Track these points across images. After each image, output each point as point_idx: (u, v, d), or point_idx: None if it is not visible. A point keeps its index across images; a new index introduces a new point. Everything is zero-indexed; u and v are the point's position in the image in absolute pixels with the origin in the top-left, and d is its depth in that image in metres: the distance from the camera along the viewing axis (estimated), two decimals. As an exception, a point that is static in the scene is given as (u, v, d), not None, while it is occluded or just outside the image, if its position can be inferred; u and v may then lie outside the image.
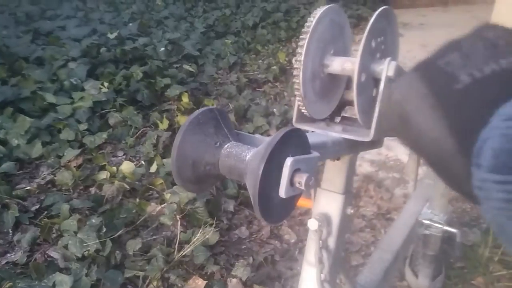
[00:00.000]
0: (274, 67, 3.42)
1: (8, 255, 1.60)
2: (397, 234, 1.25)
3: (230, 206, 1.86)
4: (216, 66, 3.46)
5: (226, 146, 0.56)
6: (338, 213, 0.81)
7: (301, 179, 0.50)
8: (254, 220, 1.87)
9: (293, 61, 0.67)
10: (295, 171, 0.50)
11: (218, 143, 0.56)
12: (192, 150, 0.56)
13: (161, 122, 2.44)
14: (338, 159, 0.81)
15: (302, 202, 1.07)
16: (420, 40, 4.09)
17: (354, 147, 0.77)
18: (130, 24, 3.72)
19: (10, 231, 1.68)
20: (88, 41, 3.03)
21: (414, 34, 4.44)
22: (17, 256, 1.56)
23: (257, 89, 3.25)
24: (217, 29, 4.16)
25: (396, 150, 2.54)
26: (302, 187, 0.50)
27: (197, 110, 0.57)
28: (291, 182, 0.50)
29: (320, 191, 0.83)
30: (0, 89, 2.46)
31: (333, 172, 0.82)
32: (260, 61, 3.74)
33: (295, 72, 0.66)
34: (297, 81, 0.66)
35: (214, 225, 1.69)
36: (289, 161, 0.49)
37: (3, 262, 1.54)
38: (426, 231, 1.34)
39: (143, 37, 3.47)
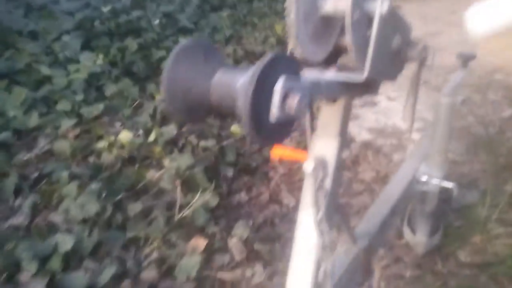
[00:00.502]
0: (272, 39, 3.38)
1: (10, 219, 1.61)
2: (394, 189, 1.26)
3: (229, 172, 1.87)
4: (212, 39, 3.43)
5: (216, 74, 0.56)
6: (333, 156, 0.81)
7: (294, 100, 0.49)
8: (254, 186, 1.89)
9: (286, 2, 0.66)
10: (286, 93, 0.49)
11: (208, 72, 0.56)
12: (182, 78, 0.55)
13: (158, 93, 2.43)
14: (334, 101, 0.81)
15: (297, 155, 1.08)
16: (419, 12, 4.04)
17: (349, 90, 0.77)
18: (124, -2, 3.66)
19: (11, 198, 1.69)
20: (81, 14, 2.99)
21: (413, 6, 4.38)
22: (19, 220, 1.58)
23: (254, 62, 3.22)
24: (212, 2, 4.09)
25: (394, 118, 2.53)
26: (294, 109, 0.50)
27: (185, 41, 0.57)
28: (283, 104, 0.49)
29: (315, 135, 0.83)
30: (-4, 62, 2.43)
31: (329, 116, 0.82)
32: (257, 34, 3.70)
33: (286, 13, 0.65)
34: (289, 22, 0.65)
35: (213, 190, 1.70)
36: (281, 80, 0.48)
37: (6, 225, 1.56)
38: (423, 187, 1.35)
39: (137, 10, 3.42)
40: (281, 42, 3.45)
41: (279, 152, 1.06)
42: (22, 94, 2.16)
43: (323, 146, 0.83)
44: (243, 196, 1.83)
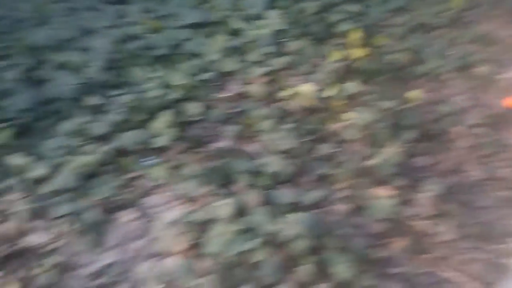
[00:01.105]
0: (448, 13, 3.21)
1: (217, 142, 1.91)
2: None
3: (412, 134, 1.89)
4: (381, 9, 3.39)
5: None
6: None
7: None
8: (437, 152, 1.88)
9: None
10: None
11: None
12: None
13: (334, 53, 2.54)
14: None
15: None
16: None
17: None
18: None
19: (217, 126, 1.99)
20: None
21: None
22: (225, 143, 1.86)
23: (426, 34, 3.12)
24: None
25: None
26: None
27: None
28: None
29: None
30: (195, 13, 2.80)
31: None
32: (429, 7, 3.53)
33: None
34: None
35: (397, 148, 1.76)
36: None
37: (213, 147, 1.86)
38: None
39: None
40: (458, 17, 3.26)
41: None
42: (221, 41, 2.46)
43: None
44: (424, 160, 1.85)
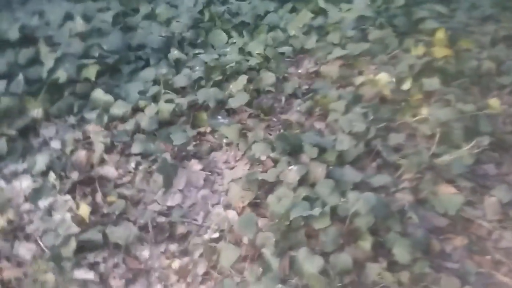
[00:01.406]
0: (542, 28, 3.00)
1: (286, 114, 1.95)
2: None
3: (484, 141, 1.83)
4: (468, 14, 3.24)
5: None
6: None
7: None
8: (504, 163, 1.82)
9: None
10: None
11: None
12: None
13: (416, 48, 2.47)
14: None
15: None
16: None
17: None
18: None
19: (283, 99, 2.03)
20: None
21: None
22: (296, 117, 1.89)
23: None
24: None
25: None
26: None
27: None
28: None
29: None
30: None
31: None
32: (520, 19, 3.32)
33: None
34: None
35: (468, 149, 1.71)
36: None
37: (282, 118, 1.89)
38: None
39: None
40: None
41: None
42: (305, 18, 2.47)
43: None
44: (492, 168, 1.80)
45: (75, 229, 1.31)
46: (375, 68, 2.40)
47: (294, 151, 1.65)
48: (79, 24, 2.02)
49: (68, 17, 2.13)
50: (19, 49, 1.93)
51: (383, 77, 2.19)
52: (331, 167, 1.56)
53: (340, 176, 1.51)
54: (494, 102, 2.10)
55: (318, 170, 1.50)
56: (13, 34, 1.97)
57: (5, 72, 1.82)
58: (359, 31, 2.57)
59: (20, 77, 1.79)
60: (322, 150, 1.63)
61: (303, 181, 1.47)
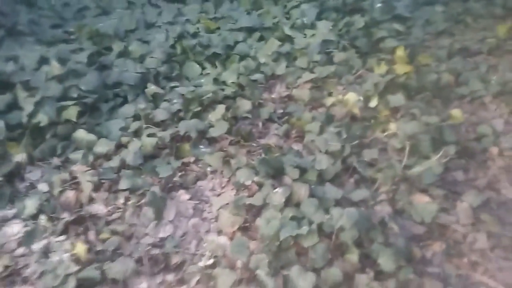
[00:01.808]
0: (490, 40, 3.28)
1: (264, 138, 2.04)
2: None
3: (451, 150, 1.97)
4: (423, 30, 3.48)
5: None
6: None
7: None
8: (471, 169, 1.97)
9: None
10: None
11: None
12: None
13: (378, 67, 2.64)
14: None
15: None
16: None
17: None
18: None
19: (266, 122, 2.13)
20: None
21: None
22: (272, 140, 1.99)
23: (468, 58, 3.19)
24: (426, -4, 4.10)
25: None
26: None
27: None
28: None
29: None
30: (249, 18, 2.96)
31: None
32: (471, 33, 3.60)
33: None
34: None
35: (437, 159, 1.85)
36: None
37: (261, 143, 1.99)
38: None
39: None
40: (500, 45, 3.32)
41: None
42: (274, 45, 2.60)
43: None
44: (460, 175, 1.94)
45: (73, 268, 1.33)
46: (343, 89, 2.55)
47: (276, 174, 1.73)
48: (54, 67, 2.06)
49: (43, 61, 2.16)
50: (-3, 96, 1.94)
51: (351, 96, 2.33)
52: (313, 186, 1.65)
53: (322, 194, 1.60)
54: (456, 112, 2.27)
55: (301, 190, 1.59)
56: (-10, 80, 1.99)
57: (-16, 119, 1.82)
58: (325, 55, 2.73)
59: (1, 123, 1.80)
60: (303, 170, 1.73)
61: (288, 201, 1.55)
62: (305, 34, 2.87)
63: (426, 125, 2.10)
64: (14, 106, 1.93)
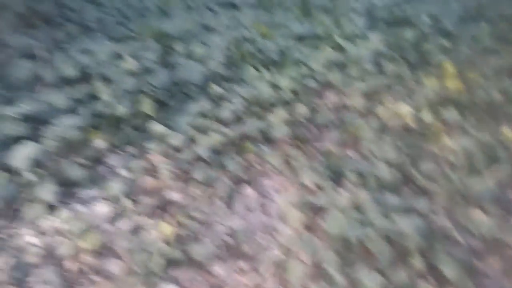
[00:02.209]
0: (539, 60, 3.29)
1: (320, 142, 2.15)
2: None
3: (507, 167, 2.04)
4: (470, 47, 3.53)
5: None
6: None
7: None
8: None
9: None
10: None
11: None
12: None
13: (428, 80, 2.72)
14: None
15: None
16: None
17: None
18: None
19: (315, 129, 2.23)
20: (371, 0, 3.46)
21: None
22: (328, 145, 2.09)
23: (514, 77, 3.21)
24: (471, 13, 4.14)
25: None
26: None
27: None
28: None
29: None
30: (301, 26, 3.07)
31: None
32: (517, 51, 3.62)
33: None
34: None
35: (491, 176, 1.91)
36: None
37: (318, 146, 2.09)
38: None
39: (406, 5, 3.74)
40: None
41: None
42: (324, 54, 2.71)
43: None
44: None
45: (162, 247, 1.46)
46: (394, 99, 2.63)
47: (336, 177, 1.84)
48: (130, 63, 2.21)
49: (116, 56, 2.32)
50: (77, 86, 2.11)
51: (404, 108, 2.41)
52: (373, 192, 1.74)
53: (382, 200, 1.69)
54: (507, 131, 2.33)
55: (362, 195, 1.68)
56: (70, 71, 2.15)
57: (67, 107, 1.98)
58: (376, 65, 2.82)
59: (82, 111, 1.96)
60: (362, 176, 1.82)
61: (351, 204, 1.65)
62: (356, 44, 2.96)
63: (480, 142, 2.17)
64: (93, 96, 2.08)
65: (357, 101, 2.45)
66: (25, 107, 1.87)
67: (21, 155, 1.66)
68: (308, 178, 1.81)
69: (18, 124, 1.79)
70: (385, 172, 1.82)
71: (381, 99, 2.54)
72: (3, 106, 1.84)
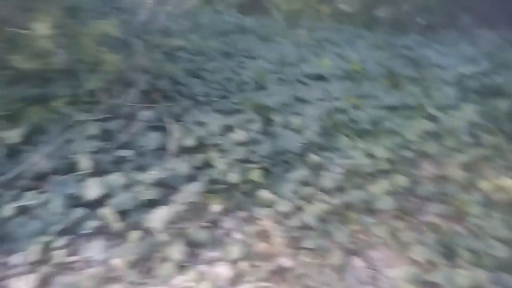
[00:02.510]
0: None
1: (423, 216, 2.15)
2: None
3: None
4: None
5: None
6: None
7: None
8: None
9: None
10: None
11: None
12: None
13: (531, 154, 2.64)
14: None
15: None
16: None
17: None
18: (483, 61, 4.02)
19: (416, 200, 2.25)
20: (459, 70, 3.52)
21: None
22: (431, 218, 2.09)
23: None
24: None
25: None
26: None
27: None
28: None
29: None
30: (391, 96, 3.20)
31: None
32: None
33: None
34: None
35: None
36: None
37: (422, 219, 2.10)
38: None
39: (498, 75, 3.72)
40: None
41: None
42: (418, 124, 2.77)
43: None
44: None
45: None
46: (496, 173, 2.58)
47: (448, 253, 1.83)
48: (240, 134, 2.46)
49: (226, 127, 2.59)
50: (194, 155, 2.37)
51: (507, 181, 2.36)
52: (489, 273, 1.70)
53: (500, 281, 1.65)
54: None
55: (480, 275, 1.65)
56: (189, 142, 2.44)
57: (189, 174, 2.23)
58: (473, 136, 2.81)
59: (201, 178, 2.19)
60: (474, 253, 1.80)
61: (469, 284, 1.63)
62: (449, 114, 2.99)
63: None
64: (208, 164, 2.33)
65: (457, 173, 2.45)
66: (155, 173, 2.14)
67: (157, 217, 1.89)
68: (419, 253, 1.82)
69: (151, 189, 2.05)
70: (500, 251, 1.78)
71: (481, 171, 2.51)
72: (139, 173, 2.13)
